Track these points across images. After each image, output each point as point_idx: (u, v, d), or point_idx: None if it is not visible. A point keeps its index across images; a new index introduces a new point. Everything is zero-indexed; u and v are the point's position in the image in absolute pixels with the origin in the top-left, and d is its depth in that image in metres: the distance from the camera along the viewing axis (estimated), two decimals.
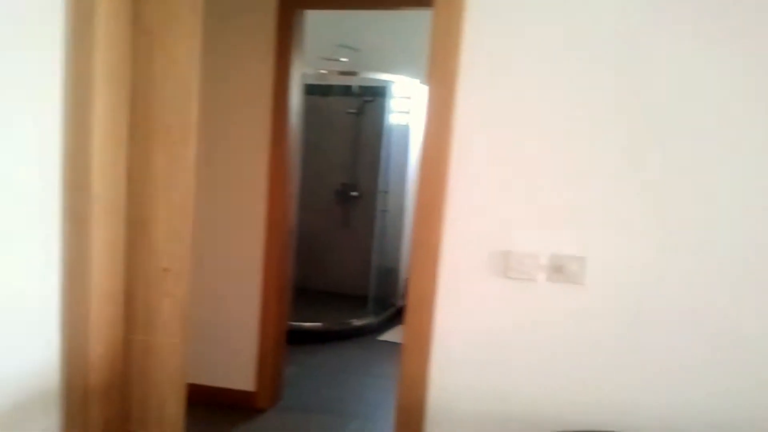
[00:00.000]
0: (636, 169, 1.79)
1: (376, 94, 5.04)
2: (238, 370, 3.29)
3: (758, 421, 1.82)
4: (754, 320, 1.79)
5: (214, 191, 3.19)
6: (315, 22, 3.85)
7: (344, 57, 4.92)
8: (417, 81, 4.78)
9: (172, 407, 2.20)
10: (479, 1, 1.82)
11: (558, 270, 1.85)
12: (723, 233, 1.77)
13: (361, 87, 5.10)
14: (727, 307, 1.79)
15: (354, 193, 5.30)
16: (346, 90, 5.14)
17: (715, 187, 1.75)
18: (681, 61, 1.73)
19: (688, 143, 1.75)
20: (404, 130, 5.03)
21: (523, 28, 1.80)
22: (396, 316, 4.94)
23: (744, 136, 1.72)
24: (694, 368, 1.83)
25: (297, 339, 4.28)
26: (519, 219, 1.87)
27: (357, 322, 4.69)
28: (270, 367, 3.28)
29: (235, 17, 3.06)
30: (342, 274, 5.42)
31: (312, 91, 4.89)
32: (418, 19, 4.60)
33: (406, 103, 4.94)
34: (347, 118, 5.21)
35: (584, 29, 1.77)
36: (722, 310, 1.80)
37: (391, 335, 4.71)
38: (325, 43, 4.90)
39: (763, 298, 1.77)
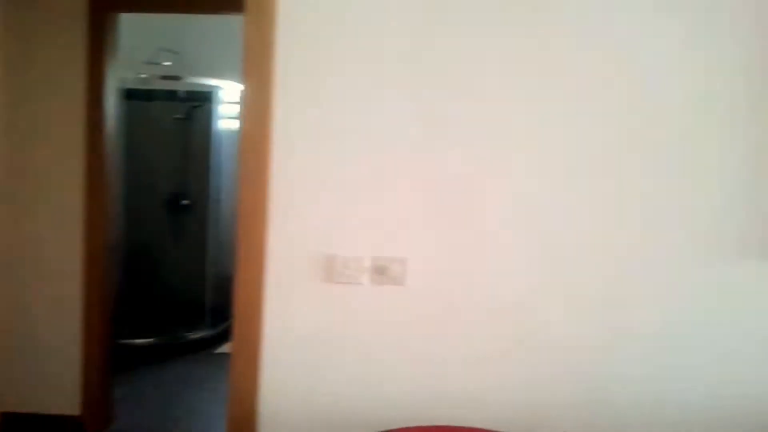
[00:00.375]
0: (446, 171, 1.87)
1: (203, 99, 4.90)
2: (60, 394, 3.07)
3: (545, 406, 1.98)
4: (551, 315, 1.94)
5: (23, 201, 2.96)
6: (134, 24, 3.68)
7: (167, 61, 4.75)
8: None
9: None
10: (291, 8, 1.82)
11: (381, 272, 1.89)
12: (525, 234, 1.89)
13: (188, 92, 4.94)
14: (527, 303, 1.93)
15: (185, 202, 5.11)
16: (172, 95, 4.96)
17: (515, 189, 1.87)
18: (473, 63, 1.84)
19: (489, 144, 1.86)
20: (235, 136, 4.94)
21: (336, 35, 1.82)
22: None
23: (538, 137, 1.85)
24: (499, 360, 1.95)
25: (129, 357, 4.08)
26: (342, 223, 1.89)
27: (193, 336, 4.55)
28: (97, 388, 3.10)
29: (43, 21, 2.86)
30: (176, 287, 5.22)
31: (134, 96, 4.67)
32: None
33: (235, 108, 4.86)
34: (174, 124, 5.02)
35: (388, 39, 1.82)
36: (523, 307, 1.93)
37: (229, 347, 4.60)
38: (145, 47, 4.70)
39: (559, 296, 1.93)
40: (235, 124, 4.90)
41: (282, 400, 1.97)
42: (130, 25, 3.26)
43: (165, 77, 4.69)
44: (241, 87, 1.83)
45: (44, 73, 2.89)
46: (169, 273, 5.21)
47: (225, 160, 4.94)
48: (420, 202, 1.88)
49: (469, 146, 1.86)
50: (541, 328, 1.94)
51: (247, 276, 1.92)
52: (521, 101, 1.84)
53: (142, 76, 4.57)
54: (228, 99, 4.84)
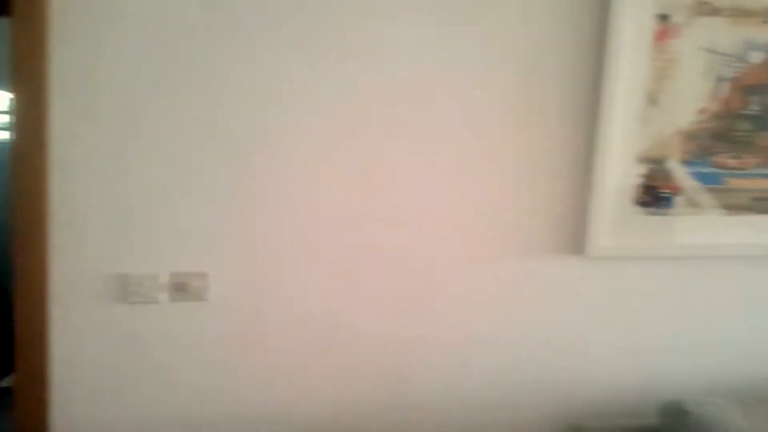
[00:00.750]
0: (246, 179, 1.83)
1: None
2: None
3: (355, 413, 2.02)
4: (359, 320, 1.97)
5: None
6: None
7: None
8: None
9: None
10: (64, 8, 1.69)
11: (180, 288, 1.82)
12: (332, 240, 1.91)
13: None
14: (335, 309, 1.95)
15: None
16: None
17: (318, 195, 1.88)
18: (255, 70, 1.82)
19: (287, 152, 1.84)
20: (6, 148, 4.50)
21: (113, 38, 1.71)
22: None
23: (337, 144, 1.87)
24: (309, 369, 1.96)
25: None
26: (135, 239, 1.79)
27: None
28: None
29: None
30: None
31: None
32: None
33: (4, 118, 4.44)
34: None
35: (171, 39, 1.75)
36: (332, 313, 1.95)
37: (11, 380, 4.20)
38: None
39: (367, 300, 1.97)
40: (5, 135, 4.47)
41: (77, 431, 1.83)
42: None
43: None
44: (10, 95, 1.68)
45: None
46: None
47: None
48: (219, 213, 1.82)
49: (269, 154, 1.83)
50: (351, 333, 1.97)
51: (27, 301, 1.75)
52: (319, 107, 1.85)
53: None
54: None
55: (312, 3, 1.80)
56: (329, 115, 1.86)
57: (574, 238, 2.06)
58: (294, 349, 1.94)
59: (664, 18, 1.96)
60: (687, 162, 2.04)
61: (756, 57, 2.03)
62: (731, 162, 2.07)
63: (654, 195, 2.04)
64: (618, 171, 2.01)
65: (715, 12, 1.97)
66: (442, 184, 1.96)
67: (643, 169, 2.02)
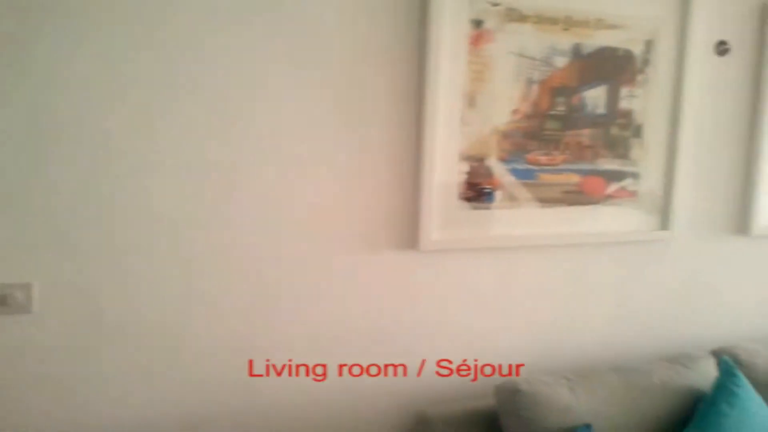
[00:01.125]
0: (67, 183, 1.78)
1: None
2: None
3: (199, 422, 2.02)
4: (194, 325, 1.97)
5: None
6: None
7: None
8: None
9: None
10: None
11: (1, 301, 1.74)
12: (163, 247, 1.89)
13: None
14: (170, 317, 1.94)
15: None
16: None
17: (152, 202, 1.86)
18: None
19: (115, 158, 1.81)
20: None
21: None
22: None
23: (179, 150, 1.86)
24: (147, 380, 1.94)
25: None
26: None
27: None
28: None
29: None
30: None
31: None
32: None
33: None
34: None
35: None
36: (166, 321, 1.93)
37: None
38: None
39: (201, 306, 1.97)
40: None
41: None
42: None
43: None
44: None
45: None
46: None
47: None
48: (42, 219, 1.76)
49: (96, 156, 1.78)
50: (190, 336, 1.96)
51: None
52: (147, 106, 1.83)
53: None
54: None
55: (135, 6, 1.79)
56: (160, 114, 1.84)
57: (408, 234, 2.14)
58: (130, 361, 1.90)
59: (478, 23, 2.07)
60: (504, 159, 2.18)
61: (560, 61, 2.20)
62: (543, 159, 2.23)
63: (477, 191, 2.17)
64: (444, 169, 2.11)
65: (523, 19, 2.12)
66: (281, 184, 1.99)
67: (466, 167, 2.14)
